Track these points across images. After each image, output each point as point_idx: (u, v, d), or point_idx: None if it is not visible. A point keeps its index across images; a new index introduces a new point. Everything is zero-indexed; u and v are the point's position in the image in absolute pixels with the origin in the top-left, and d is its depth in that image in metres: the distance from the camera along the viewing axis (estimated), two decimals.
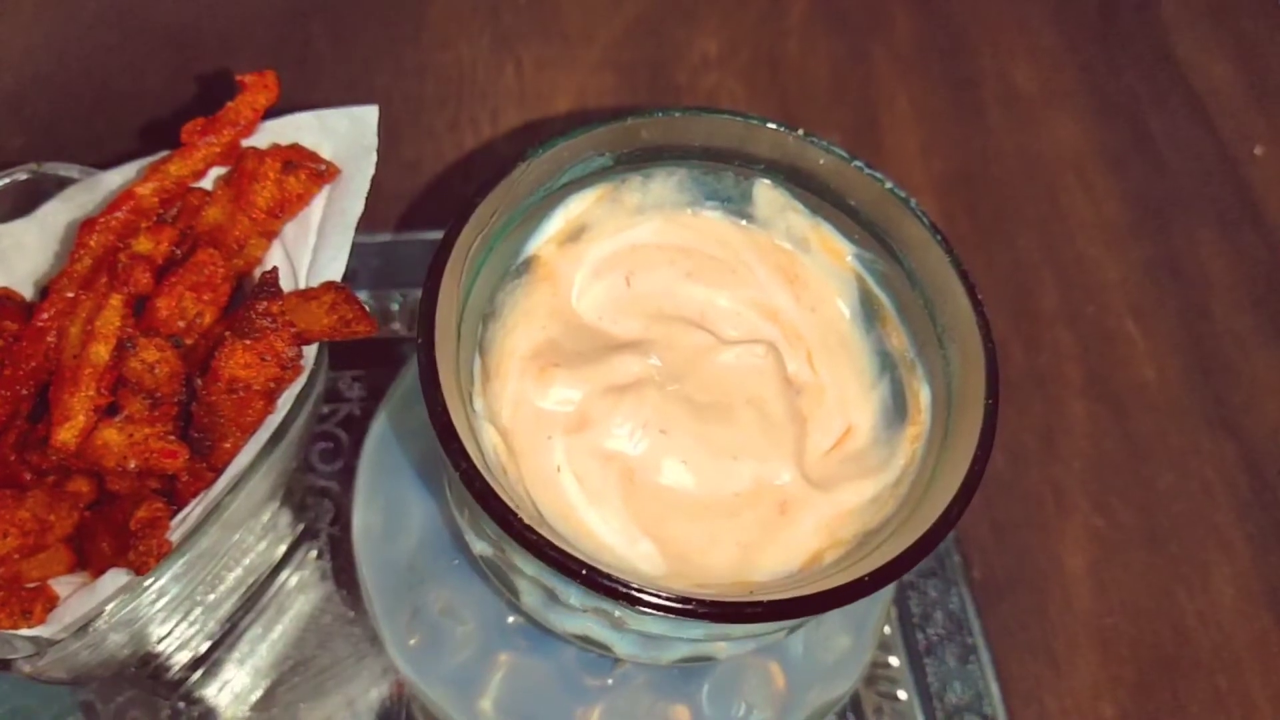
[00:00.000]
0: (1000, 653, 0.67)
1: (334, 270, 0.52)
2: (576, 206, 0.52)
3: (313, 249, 0.53)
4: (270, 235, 0.54)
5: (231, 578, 0.59)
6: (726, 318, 0.52)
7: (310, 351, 0.51)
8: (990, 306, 0.46)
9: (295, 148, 0.55)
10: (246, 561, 0.60)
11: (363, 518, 0.57)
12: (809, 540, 0.46)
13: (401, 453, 0.59)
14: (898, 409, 0.50)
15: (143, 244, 0.51)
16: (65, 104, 0.84)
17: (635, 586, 0.38)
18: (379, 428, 0.59)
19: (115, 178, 0.56)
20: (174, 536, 0.47)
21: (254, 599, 0.63)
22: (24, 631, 0.45)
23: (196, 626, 0.59)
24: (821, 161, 0.51)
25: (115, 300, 0.49)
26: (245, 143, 0.55)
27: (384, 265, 0.77)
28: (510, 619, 0.56)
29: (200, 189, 0.55)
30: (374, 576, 0.56)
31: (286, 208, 0.53)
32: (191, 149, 0.54)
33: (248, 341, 0.48)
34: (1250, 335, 0.83)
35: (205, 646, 0.61)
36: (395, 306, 0.76)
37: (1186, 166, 0.92)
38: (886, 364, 0.51)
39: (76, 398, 0.47)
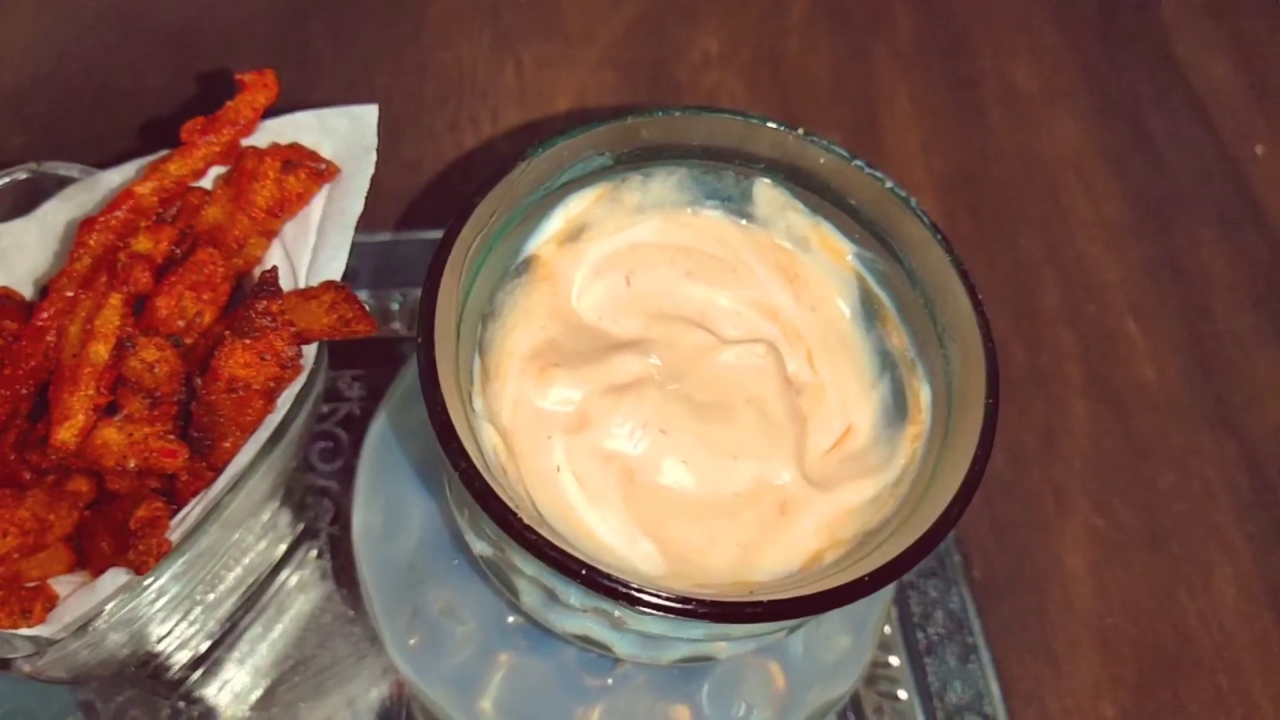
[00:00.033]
0: (1001, 652, 0.67)
1: (334, 269, 0.52)
2: (576, 206, 0.52)
3: (312, 248, 0.53)
4: (270, 234, 0.54)
5: (231, 577, 0.59)
6: (726, 317, 0.52)
7: (310, 351, 0.51)
8: (991, 306, 0.46)
9: (295, 147, 0.54)
10: (246, 561, 0.60)
11: (362, 517, 0.57)
12: (809, 540, 0.46)
13: (401, 452, 0.59)
14: (898, 408, 0.50)
15: (142, 243, 0.51)
16: (65, 103, 0.84)
17: (635, 586, 0.38)
18: (379, 427, 0.59)
19: (115, 177, 0.56)
20: (174, 536, 0.47)
21: (254, 598, 0.63)
22: (23, 631, 0.45)
23: (196, 626, 0.59)
24: (822, 161, 0.51)
25: (115, 299, 0.49)
26: (245, 142, 0.55)
27: (384, 264, 0.77)
28: (510, 619, 0.56)
29: (200, 188, 0.55)
30: (374, 576, 0.56)
31: (286, 207, 0.53)
32: (191, 148, 0.54)
33: (247, 341, 0.48)
34: (1251, 335, 0.83)
35: (205, 646, 0.61)
36: (395, 306, 0.76)
37: (1187, 166, 0.92)
38: (887, 363, 0.51)
39: (76, 397, 0.47)
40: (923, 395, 0.49)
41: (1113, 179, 0.91)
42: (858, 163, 0.50)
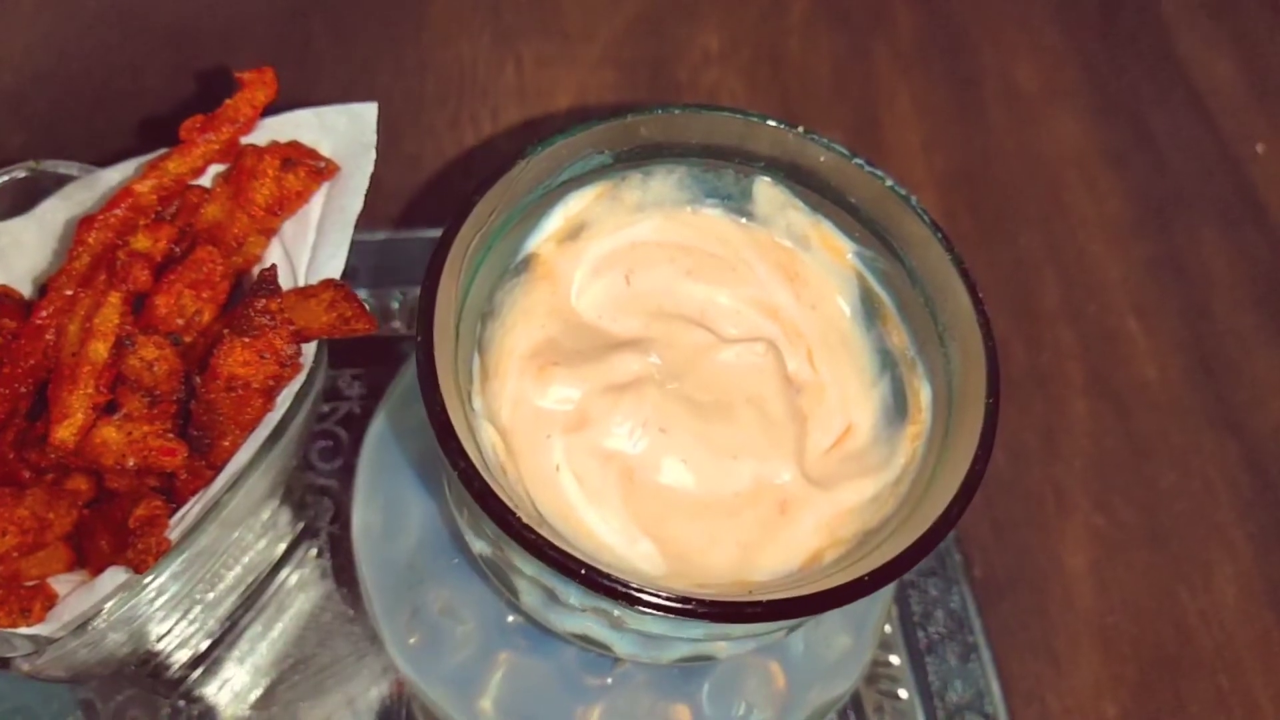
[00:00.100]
0: (1001, 651, 0.67)
1: (333, 268, 0.52)
2: (576, 204, 0.52)
3: (312, 246, 0.53)
4: (269, 233, 0.54)
5: (231, 576, 0.59)
6: (726, 316, 0.52)
7: (309, 349, 0.51)
8: (991, 304, 0.46)
9: (294, 145, 0.54)
10: (246, 559, 0.60)
11: (362, 517, 0.57)
12: (809, 539, 0.46)
13: (401, 451, 0.59)
14: (898, 407, 0.50)
15: (141, 241, 0.51)
16: (65, 102, 0.84)
17: (634, 586, 0.38)
18: (378, 426, 0.59)
19: (114, 175, 0.56)
20: (173, 534, 0.47)
21: (254, 597, 0.63)
22: (23, 630, 0.45)
23: (196, 625, 0.59)
24: (822, 159, 0.51)
25: (114, 298, 0.49)
26: (244, 140, 0.55)
27: (383, 263, 0.77)
28: (510, 618, 0.56)
29: (199, 186, 0.54)
30: (373, 575, 0.55)
31: (285, 205, 0.53)
32: (190, 146, 0.54)
33: (246, 339, 0.48)
34: (1252, 334, 0.83)
35: (205, 645, 0.61)
36: (395, 304, 0.76)
37: (1188, 164, 0.92)
38: (887, 362, 0.51)
39: (75, 395, 0.47)
40: (923, 394, 0.49)
41: (1113, 178, 0.90)
42: (858, 161, 0.50)
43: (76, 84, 0.85)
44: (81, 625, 0.45)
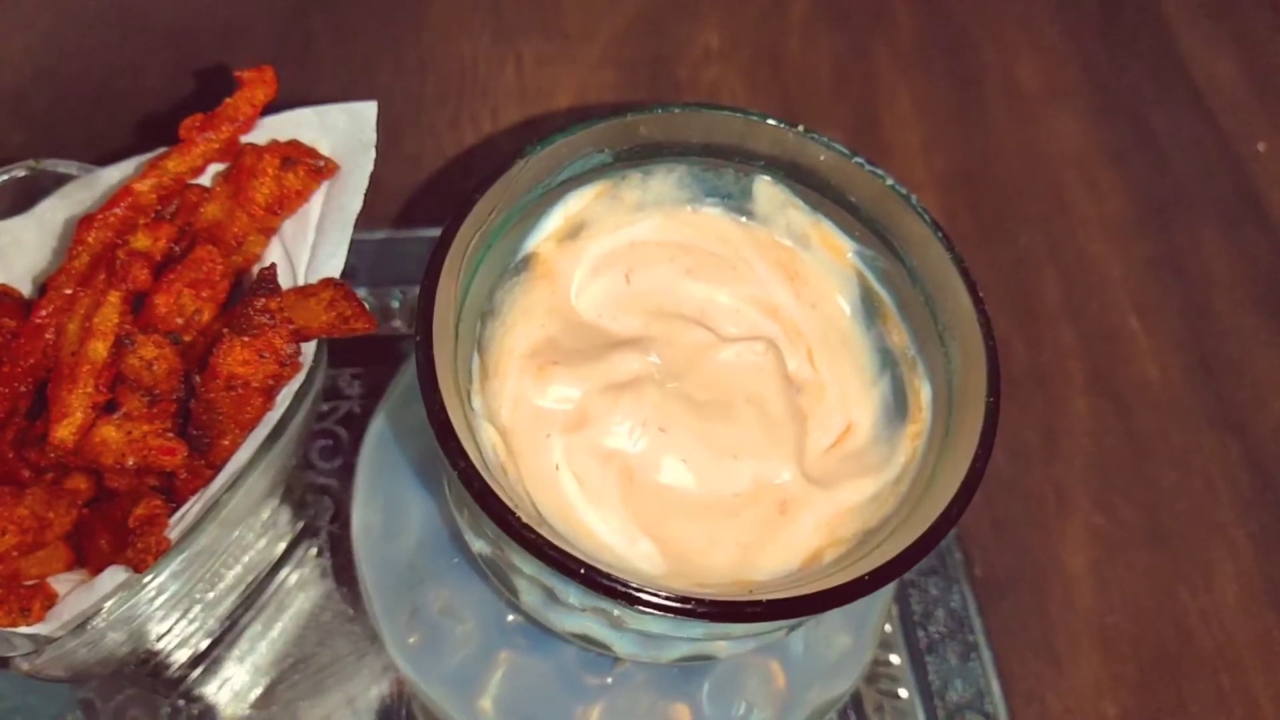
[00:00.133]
0: (1001, 651, 0.67)
1: (333, 267, 0.52)
2: (575, 203, 0.52)
3: (311, 245, 0.53)
4: (269, 232, 0.54)
5: (231, 575, 0.59)
6: (726, 315, 0.52)
7: (309, 348, 0.51)
8: (992, 303, 0.46)
9: (294, 144, 0.54)
10: (246, 559, 0.60)
11: (362, 516, 0.57)
12: (809, 539, 0.46)
13: (401, 451, 0.58)
14: (898, 406, 0.50)
15: (141, 241, 0.51)
16: (65, 101, 0.84)
17: (634, 586, 0.38)
18: (378, 426, 0.59)
19: (114, 174, 0.56)
20: (172, 534, 0.47)
21: (254, 596, 0.63)
22: (22, 629, 0.45)
23: (196, 624, 0.59)
24: (822, 158, 0.51)
25: (113, 297, 0.49)
26: (244, 139, 0.55)
27: (383, 262, 0.77)
28: (510, 618, 0.56)
29: (199, 185, 0.54)
30: (373, 575, 0.55)
31: (285, 204, 0.53)
32: (190, 145, 0.54)
33: (246, 338, 0.48)
34: (1253, 333, 0.83)
35: (205, 644, 0.61)
36: (395, 304, 0.76)
37: (1189, 163, 0.92)
38: (887, 361, 0.51)
39: (75, 395, 0.47)
40: (923, 393, 0.49)
41: (1114, 176, 0.90)
42: (858, 160, 0.50)
43: (76, 83, 0.85)
44: (81, 624, 0.45)
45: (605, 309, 0.51)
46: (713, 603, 0.38)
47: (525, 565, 0.44)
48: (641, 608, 0.38)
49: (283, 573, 0.65)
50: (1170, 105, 0.95)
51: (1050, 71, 0.96)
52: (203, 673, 0.62)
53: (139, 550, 0.45)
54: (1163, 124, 0.94)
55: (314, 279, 0.51)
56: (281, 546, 0.64)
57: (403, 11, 0.92)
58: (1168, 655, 0.69)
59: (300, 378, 0.50)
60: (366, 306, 0.50)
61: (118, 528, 0.47)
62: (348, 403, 0.71)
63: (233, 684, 0.62)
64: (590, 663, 0.55)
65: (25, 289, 0.55)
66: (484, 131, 0.86)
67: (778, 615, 0.39)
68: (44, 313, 0.50)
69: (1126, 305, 0.83)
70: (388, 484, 0.58)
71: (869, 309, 0.52)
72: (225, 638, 0.62)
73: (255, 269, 0.53)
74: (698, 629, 0.44)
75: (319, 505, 0.68)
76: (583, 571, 0.38)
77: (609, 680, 0.55)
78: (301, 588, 0.65)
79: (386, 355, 0.73)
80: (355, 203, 0.53)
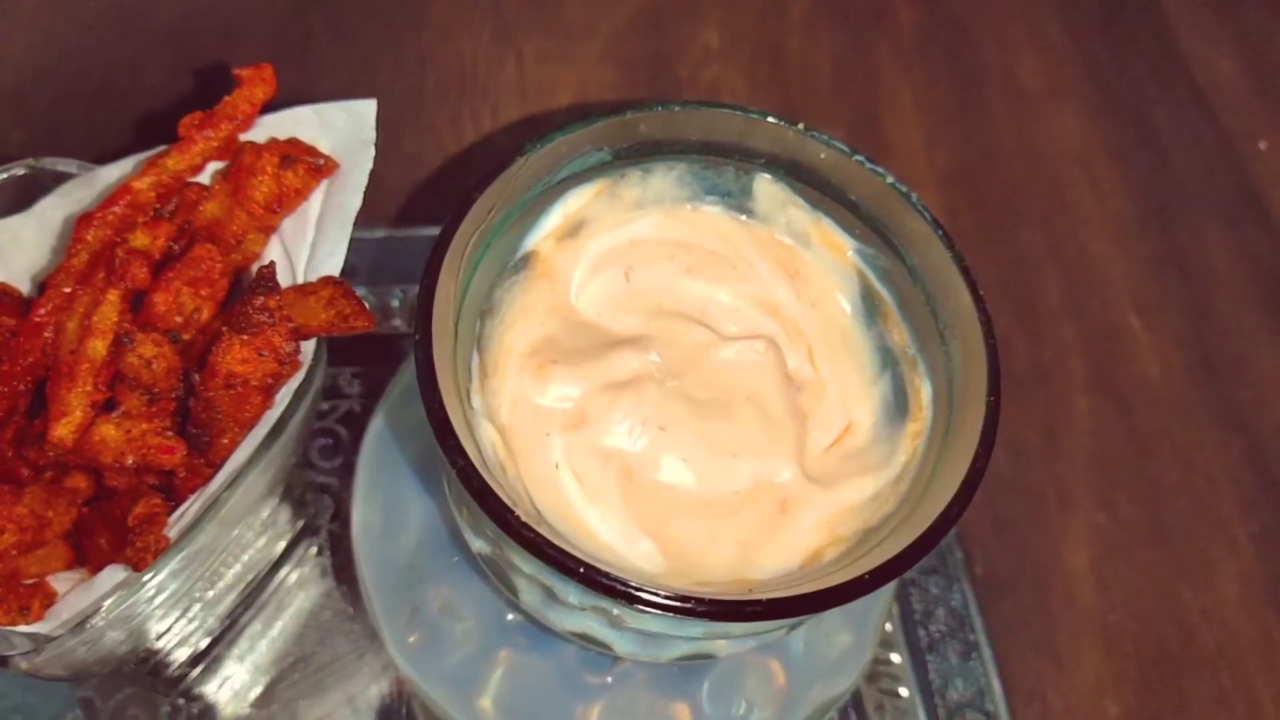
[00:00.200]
0: (1002, 650, 0.67)
1: (332, 265, 0.52)
2: (575, 202, 0.52)
3: (311, 244, 0.53)
4: (268, 230, 0.54)
5: (230, 574, 0.59)
6: (727, 313, 0.52)
7: (308, 347, 0.51)
8: (993, 302, 0.46)
9: (293, 142, 0.54)
10: (245, 558, 0.60)
11: (362, 515, 0.57)
12: (809, 538, 0.46)
13: (400, 450, 0.58)
14: (899, 405, 0.50)
15: (140, 239, 0.51)
16: (65, 100, 0.84)
17: (634, 585, 0.38)
18: (378, 424, 0.59)
19: (113, 173, 0.56)
20: (172, 532, 0.46)
21: (253, 595, 0.63)
22: (22, 628, 0.45)
23: (196, 623, 0.59)
24: (822, 156, 0.51)
25: (112, 295, 0.49)
26: (243, 137, 0.55)
27: (383, 260, 0.77)
28: (509, 617, 0.56)
29: (198, 184, 0.54)
30: (373, 574, 0.55)
31: (284, 202, 0.53)
32: (189, 143, 0.54)
33: (245, 337, 0.48)
34: (1255, 331, 0.83)
35: (204, 643, 0.61)
36: (395, 302, 0.76)
37: (1190, 161, 0.92)
38: (888, 360, 0.51)
39: (74, 393, 0.47)
40: (924, 392, 0.48)
41: (1116, 174, 0.90)
42: (858, 158, 0.50)
43: (76, 82, 0.85)
44: (80, 623, 0.45)
45: (605, 307, 0.51)
46: (712, 602, 0.38)
47: (525, 564, 0.44)
48: (641, 607, 0.38)
49: (282, 571, 0.65)
50: (1171, 103, 0.95)
51: (1051, 70, 0.96)
52: (202, 671, 0.62)
53: (138, 549, 0.45)
54: (1164, 122, 0.94)
55: (313, 277, 0.51)
56: (281, 545, 0.64)
57: (403, 10, 0.92)
58: (1169, 654, 0.69)
59: (300, 376, 0.50)
60: (366, 305, 0.50)
61: (117, 526, 0.47)
62: (347, 401, 0.71)
63: (232, 683, 0.62)
64: (590, 662, 0.55)
65: (24, 287, 0.55)
66: (484, 129, 0.86)
67: (778, 614, 0.39)
68: (43, 311, 0.50)
69: (1128, 303, 0.83)
70: (387, 483, 0.58)
71: (869, 307, 0.52)
72: (225, 636, 0.62)
73: (254, 267, 0.53)
74: (697, 628, 0.44)
75: (319, 504, 0.68)
76: (582, 570, 0.38)
77: (609, 679, 0.55)
78: (301, 586, 0.65)
79: (386, 354, 0.73)
80: (355, 201, 0.53)
